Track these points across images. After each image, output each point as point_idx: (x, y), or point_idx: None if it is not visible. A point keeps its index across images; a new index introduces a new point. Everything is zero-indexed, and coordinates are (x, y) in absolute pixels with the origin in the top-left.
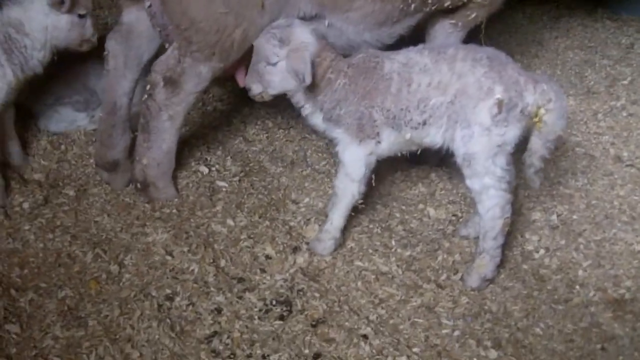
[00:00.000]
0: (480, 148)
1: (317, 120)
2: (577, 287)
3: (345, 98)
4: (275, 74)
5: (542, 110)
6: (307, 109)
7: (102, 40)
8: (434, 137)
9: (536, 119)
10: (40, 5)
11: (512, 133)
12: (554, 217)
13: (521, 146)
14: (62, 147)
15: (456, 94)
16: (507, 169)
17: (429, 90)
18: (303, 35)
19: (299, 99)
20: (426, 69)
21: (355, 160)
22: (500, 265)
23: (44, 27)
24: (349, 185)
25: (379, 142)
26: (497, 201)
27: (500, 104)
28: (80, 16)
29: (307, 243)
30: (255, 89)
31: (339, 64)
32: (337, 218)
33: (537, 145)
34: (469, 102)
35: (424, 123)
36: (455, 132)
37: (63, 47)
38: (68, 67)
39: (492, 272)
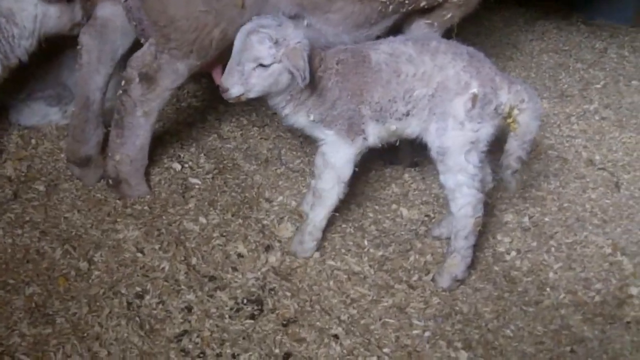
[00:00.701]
0: (453, 142)
1: (300, 119)
2: (548, 289)
3: (340, 96)
4: (265, 77)
5: (515, 111)
6: (287, 109)
7: (76, 34)
8: (414, 128)
9: (510, 120)
10: None
11: (485, 130)
12: (526, 219)
13: (497, 148)
14: (33, 141)
15: (437, 87)
16: (479, 166)
17: (414, 81)
18: (298, 36)
19: (280, 100)
20: (411, 59)
21: (346, 162)
22: (472, 266)
23: (34, 16)
24: (335, 187)
25: (365, 138)
26: (470, 200)
27: (474, 98)
28: (69, 1)
29: (280, 241)
30: (236, 91)
31: (327, 62)
32: (320, 220)
33: (514, 147)
34: (447, 94)
35: (408, 114)
36: (430, 124)
37: (54, 34)
38: (41, 62)
39: (463, 272)
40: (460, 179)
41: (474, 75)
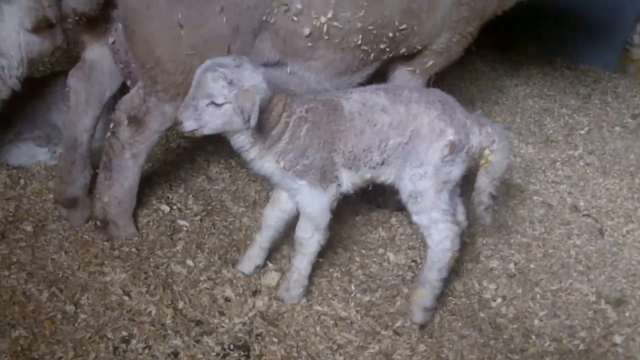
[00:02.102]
0: (430, 185)
1: (268, 165)
2: (533, 337)
3: (311, 145)
4: (217, 115)
5: (487, 151)
6: (252, 153)
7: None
8: (388, 175)
9: (482, 160)
10: (12, 23)
11: (457, 172)
12: (512, 265)
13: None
14: (22, 181)
15: (411, 134)
16: (450, 204)
17: (389, 131)
18: (255, 79)
19: (243, 142)
20: (385, 109)
21: (322, 210)
22: (458, 313)
23: (18, 44)
24: (315, 235)
25: (339, 184)
26: (447, 233)
27: (452, 145)
28: (50, 26)
29: (268, 287)
30: (188, 126)
31: (294, 108)
32: (304, 267)
33: (484, 184)
34: (422, 142)
35: (382, 163)
36: (404, 171)
37: (38, 59)
38: (30, 102)
39: (432, 301)
40: (434, 216)
41: (448, 123)
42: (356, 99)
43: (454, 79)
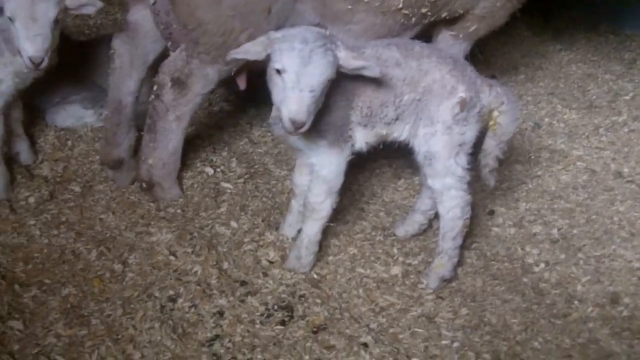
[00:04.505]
0: (442, 146)
1: None
2: (576, 302)
3: (334, 102)
4: (325, 90)
5: (495, 113)
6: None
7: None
8: (401, 132)
9: (491, 122)
10: None
11: (471, 133)
12: (555, 231)
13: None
14: (69, 143)
15: (423, 91)
16: (467, 168)
17: (403, 86)
18: (335, 37)
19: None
20: (398, 63)
21: (338, 172)
22: (501, 277)
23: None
24: (328, 199)
25: (353, 144)
26: (458, 202)
27: (463, 102)
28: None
29: None
30: (309, 122)
31: None
32: (315, 233)
33: (491, 146)
34: (433, 99)
35: (397, 118)
36: (418, 129)
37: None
38: (75, 65)
39: (450, 272)
40: (448, 182)
41: (460, 80)
42: (370, 54)
43: (498, 43)
